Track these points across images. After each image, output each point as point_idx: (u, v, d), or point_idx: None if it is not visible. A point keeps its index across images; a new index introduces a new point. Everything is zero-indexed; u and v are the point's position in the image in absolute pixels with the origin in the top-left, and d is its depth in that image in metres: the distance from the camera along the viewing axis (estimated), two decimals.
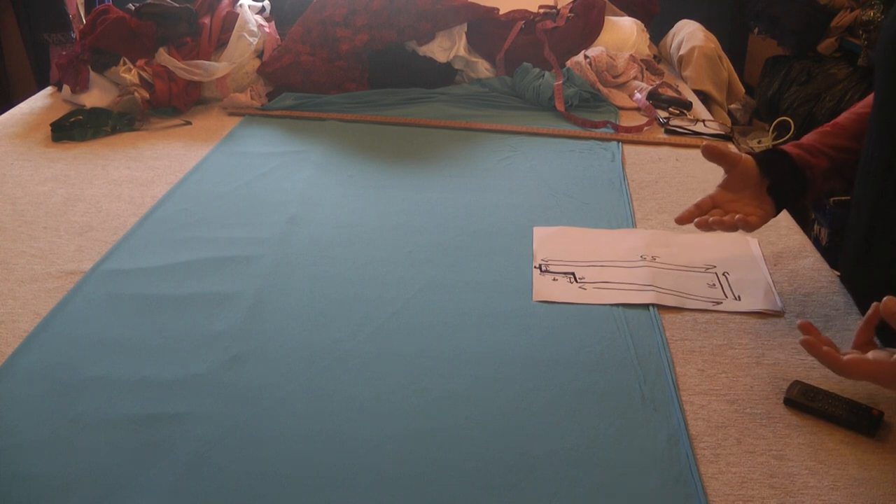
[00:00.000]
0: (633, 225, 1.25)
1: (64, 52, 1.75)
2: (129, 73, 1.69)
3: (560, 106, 1.72)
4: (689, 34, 2.04)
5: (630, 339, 0.96)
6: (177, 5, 1.77)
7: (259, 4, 1.92)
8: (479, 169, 1.46)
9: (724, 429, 0.83)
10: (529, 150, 1.54)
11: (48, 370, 0.90)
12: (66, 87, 1.72)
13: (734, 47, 2.96)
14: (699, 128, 1.65)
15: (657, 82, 1.85)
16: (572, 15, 1.93)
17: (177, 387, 0.88)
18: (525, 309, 1.03)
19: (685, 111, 1.73)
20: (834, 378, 0.89)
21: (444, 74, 1.88)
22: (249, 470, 0.77)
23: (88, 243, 1.18)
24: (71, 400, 0.85)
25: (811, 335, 0.83)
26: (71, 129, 1.57)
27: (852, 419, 0.82)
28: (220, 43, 1.79)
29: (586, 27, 1.92)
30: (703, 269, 1.11)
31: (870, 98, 1.05)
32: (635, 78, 1.87)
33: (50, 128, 1.58)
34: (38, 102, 1.78)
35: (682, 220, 1.03)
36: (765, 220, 1.01)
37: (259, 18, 1.85)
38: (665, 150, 1.57)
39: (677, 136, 1.62)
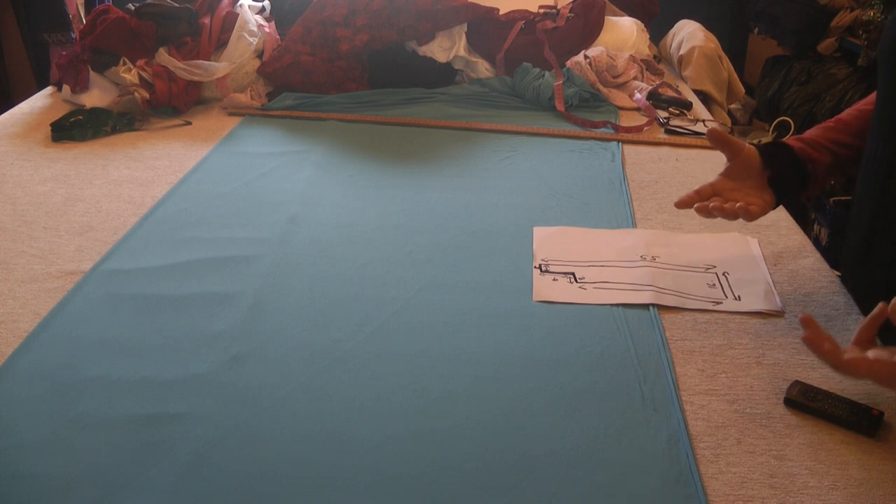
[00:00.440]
0: (633, 225, 1.25)
1: (64, 52, 1.75)
2: (129, 73, 1.69)
3: (560, 106, 1.72)
4: (689, 34, 2.04)
5: (630, 339, 0.96)
6: (177, 5, 1.77)
7: (259, 4, 1.92)
8: (479, 169, 1.46)
9: (724, 429, 0.83)
10: (529, 150, 1.54)
11: (48, 370, 0.90)
12: (66, 87, 1.72)
13: (734, 47, 2.96)
14: (699, 128, 1.65)
15: (657, 82, 1.85)
16: (572, 15, 1.93)
17: (177, 387, 0.88)
18: (525, 309, 1.03)
19: (685, 111, 1.73)
20: (834, 378, 0.89)
21: (444, 74, 1.88)
22: (249, 470, 0.77)
23: (88, 243, 1.18)
24: (71, 400, 0.85)
25: (812, 329, 0.83)
26: (71, 129, 1.57)
27: (852, 419, 0.82)
28: (220, 43, 1.79)
29: (586, 27, 1.92)
30: (703, 269, 1.11)
31: (873, 95, 1.05)
32: (635, 78, 1.87)
33: (50, 128, 1.58)
34: (38, 102, 1.78)
35: (681, 204, 1.02)
36: (765, 211, 1.01)
37: (259, 18, 1.85)
38: (665, 150, 1.57)
39: (677, 136, 1.62)
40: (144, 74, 1.68)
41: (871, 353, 0.80)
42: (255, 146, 1.56)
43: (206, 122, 1.68)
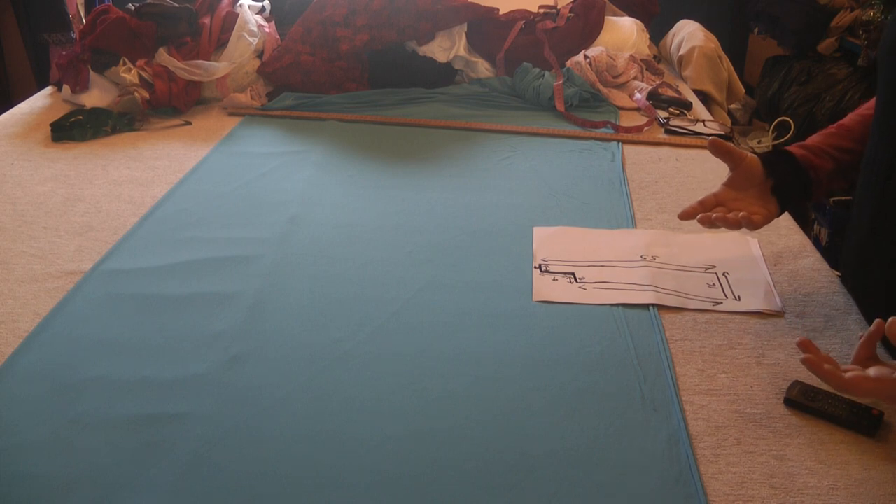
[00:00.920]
0: (633, 225, 1.25)
1: (64, 52, 1.75)
2: (129, 73, 1.69)
3: (560, 106, 1.72)
4: (689, 34, 2.04)
5: (630, 339, 0.96)
6: (177, 5, 1.77)
7: (259, 4, 1.92)
8: (479, 169, 1.46)
9: (724, 429, 0.83)
10: (529, 150, 1.54)
11: (48, 370, 0.90)
12: (66, 87, 1.72)
13: (734, 47, 2.96)
14: (699, 128, 1.65)
15: (657, 82, 1.85)
16: (572, 15, 1.93)
17: (177, 387, 0.88)
18: (525, 309, 1.03)
19: (685, 111, 1.73)
20: None
21: (444, 74, 1.88)
22: (249, 470, 0.77)
23: (88, 243, 1.18)
24: (71, 400, 0.85)
25: (811, 352, 0.83)
26: (71, 129, 1.57)
27: (852, 419, 0.82)
28: (220, 43, 1.79)
29: (586, 27, 1.92)
30: (703, 269, 1.11)
31: (874, 100, 1.05)
32: (635, 78, 1.87)
33: (50, 128, 1.58)
34: (38, 102, 1.78)
35: (684, 216, 1.02)
36: (768, 220, 1.01)
37: (259, 18, 1.85)
38: (665, 150, 1.57)
39: (677, 136, 1.62)
40: (144, 74, 1.68)
41: (872, 372, 0.80)
42: (255, 146, 1.56)
43: (206, 122, 1.68)
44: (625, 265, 1.12)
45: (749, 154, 1.02)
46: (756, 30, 3.17)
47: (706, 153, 1.54)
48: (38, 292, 1.06)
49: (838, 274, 1.12)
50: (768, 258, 1.15)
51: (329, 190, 1.37)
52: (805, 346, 0.84)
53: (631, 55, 1.89)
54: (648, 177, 1.43)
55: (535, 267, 1.12)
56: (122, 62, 1.71)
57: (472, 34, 1.88)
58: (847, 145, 1.05)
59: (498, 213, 1.29)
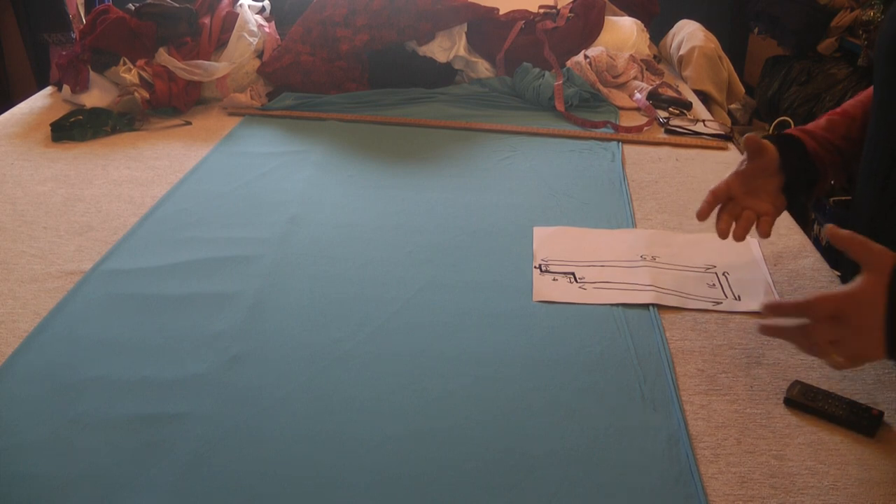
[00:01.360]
0: (633, 225, 1.25)
1: (64, 52, 1.75)
2: (129, 73, 1.69)
3: (560, 106, 1.72)
4: (689, 34, 2.04)
5: (630, 339, 0.96)
6: (177, 5, 1.77)
7: (259, 4, 1.92)
8: (479, 169, 1.46)
9: (724, 429, 0.83)
10: (529, 150, 1.54)
11: (48, 370, 0.90)
12: (66, 87, 1.72)
13: (734, 47, 2.96)
14: (699, 128, 1.65)
15: (657, 82, 1.85)
16: (572, 15, 1.93)
17: (177, 387, 0.88)
18: (525, 309, 1.03)
19: (685, 111, 1.73)
20: (834, 378, 0.89)
21: (444, 74, 1.88)
22: (249, 470, 0.77)
23: (88, 243, 1.18)
24: (71, 400, 0.85)
25: (769, 321, 0.80)
26: (71, 129, 1.57)
27: (852, 419, 0.82)
28: (220, 43, 1.79)
29: (586, 27, 1.92)
30: (703, 269, 1.11)
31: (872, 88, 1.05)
32: (635, 78, 1.87)
33: (50, 128, 1.58)
34: (38, 102, 1.78)
35: (702, 215, 1.00)
36: (776, 217, 1.00)
37: (259, 18, 1.85)
38: (665, 150, 1.57)
39: (677, 136, 1.62)
40: (144, 74, 1.69)
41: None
42: (255, 146, 1.56)
43: (206, 122, 1.68)
44: (625, 265, 1.12)
45: (770, 146, 1.00)
46: (756, 30, 3.16)
47: (706, 153, 1.54)
48: (38, 292, 1.05)
49: (838, 273, 1.12)
50: (768, 258, 1.15)
51: (329, 190, 1.37)
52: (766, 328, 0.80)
53: (631, 55, 1.89)
54: (648, 177, 1.43)
55: (535, 267, 1.12)
56: (122, 62, 1.71)
57: (472, 34, 1.88)
58: (851, 134, 1.04)
59: (498, 213, 1.29)
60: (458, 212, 1.29)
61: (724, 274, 1.10)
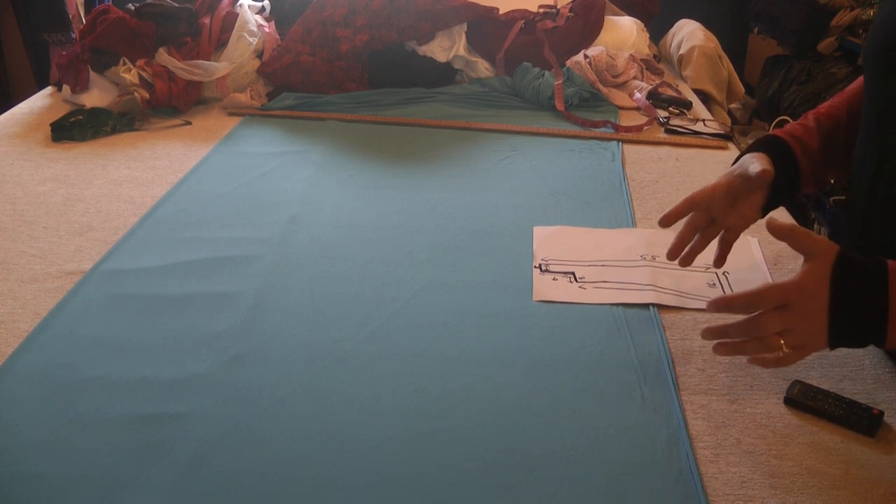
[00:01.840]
0: (633, 225, 1.25)
1: (64, 52, 1.75)
2: (129, 73, 1.69)
3: (560, 106, 1.72)
4: (688, 34, 2.04)
5: (630, 339, 0.96)
6: (177, 5, 1.77)
7: (259, 4, 1.92)
8: (479, 169, 1.46)
9: (724, 429, 0.83)
10: (529, 150, 1.54)
11: (48, 370, 0.90)
12: (66, 87, 1.72)
13: (734, 47, 2.96)
14: (699, 127, 1.65)
15: (657, 82, 1.85)
16: (572, 15, 1.93)
17: (177, 387, 0.88)
18: (525, 309, 1.03)
19: (685, 111, 1.73)
20: (834, 378, 0.89)
21: (444, 74, 1.88)
22: (249, 470, 0.77)
23: (88, 243, 1.18)
24: (71, 400, 0.85)
25: (714, 325, 0.82)
26: (71, 129, 1.57)
27: (852, 419, 0.82)
28: (220, 43, 1.79)
29: (586, 27, 1.92)
30: (703, 269, 1.11)
31: (854, 84, 1.04)
32: (635, 77, 1.87)
33: (50, 128, 1.58)
34: (38, 102, 1.78)
35: (667, 222, 0.99)
36: (742, 231, 1.00)
37: (259, 18, 1.85)
38: (665, 149, 1.57)
39: (677, 136, 1.62)
40: (144, 74, 1.69)
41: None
42: (255, 146, 1.56)
43: (206, 122, 1.68)
44: (625, 265, 1.12)
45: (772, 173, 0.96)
46: (756, 29, 3.17)
47: (706, 153, 1.54)
48: (38, 292, 1.06)
49: None
50: (768, 258, 1.15)
51: (329, 190, 1.37)
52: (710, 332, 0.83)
53: (631, 55, 1.89)
54: (648, 176, 1.43)
55: (535, 267, 1.12)
56: (122, 62, 1.71)
57: (471, 34, 1.88)
58: (837, 139, 1.03)
59: (498, 213, 1.29)
60: (458, 212, 1.29)
61: (724, 274, 1.10)
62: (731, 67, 2.03)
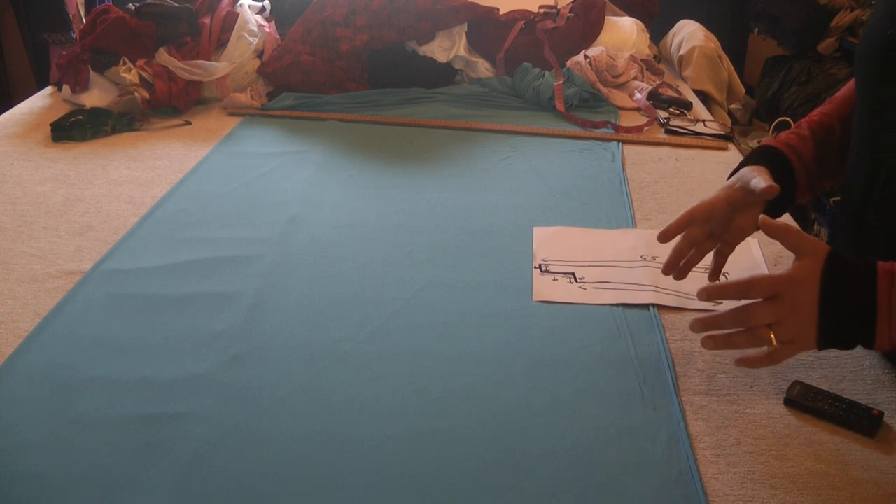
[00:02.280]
0: (633, 225, 1.25)
1: (64, 52, 1.75)
2: (129, 73, 1.69)
3: (560, 106, 1.72)
4: (689, 34, 2.04)
5: (630, 339, 0.96)
6: (177, 5, 1.77)
7: (259, 4, 1.92)
8: (479, 169, 1.46)
9: (724, 429, 0.83)
10: (529, 150, 1.54)
11: (48, 370, 0.90)
12: (66, 87, 1.72)
13: (734, 47, 2.96)
14: (699, 128, 1.65)
15: (657, 82, 1.85)
16: (572, 15, 1.93)
17: (177, 387, 0.88)
18: (525, 309, 1.03)
19: (685, 111, 1.73)
20: (834, 378, 0.89)
21: (444, 74, 1.88)
22: (249, 470, 0.77)
23: (88, 243, 1.18)
24: (71, 400, 0.85)
25: (705, 316, 0.83)
26: (71, 129, 1.57)
27: (852, 419, 0.82)
28: (220, 43, 1.79)
29: (586, 27, 1.92)
30: (703, 269, 1.11)
31: (845, 89, 1.03)
32: (635, 78, 1.87)
33: (50, 128, 1.58)
34: (38, 102, 1.78)
35: (666, 237, 0.97)
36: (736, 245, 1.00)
37: (259, 18, 1.85)
38: (665, 150, 1.57)
39: (677, 136, 1.62)
40: (144, 74, 1.69)
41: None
42: (255, 146, 1.56)
43: (206, 122, 1.68)
44: (625, 265, 1.12)
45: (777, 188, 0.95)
46: (756, 30, 3.16)
47: (706, 153, 1.54)
48: (38, 292, 1.06)
49: None
50: (768, 258, 1.15)
51: (329, 190, 1.37)
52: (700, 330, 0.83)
53: (631, 55, 1.89)
54: (648, 177, 1.43)
55: (535, 267, 1.12)
56: (122, 62, 1.71)
57: (472, 34, 1.88)
58: (830, 145, 1.03)
59: (498, 213, 1.29)
60: (458, 212, 1.29)
61: (724, 274, 1.10)
62: (732, 68, 2.03)
